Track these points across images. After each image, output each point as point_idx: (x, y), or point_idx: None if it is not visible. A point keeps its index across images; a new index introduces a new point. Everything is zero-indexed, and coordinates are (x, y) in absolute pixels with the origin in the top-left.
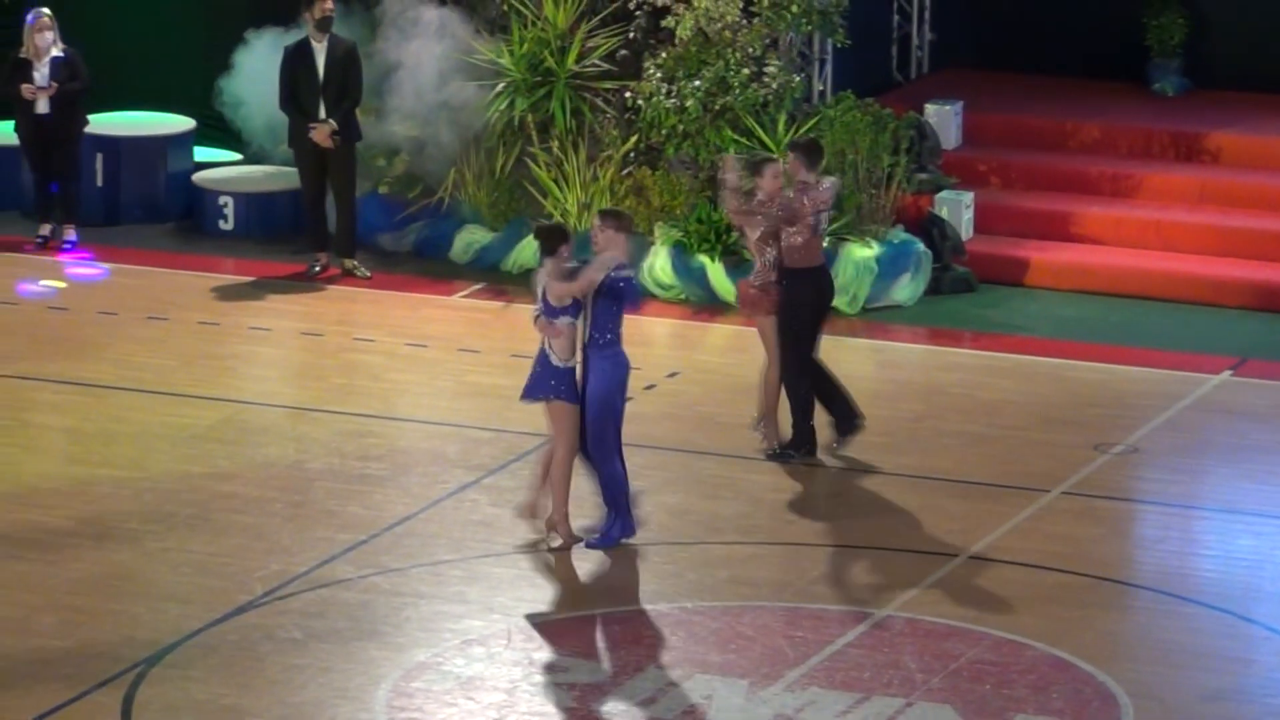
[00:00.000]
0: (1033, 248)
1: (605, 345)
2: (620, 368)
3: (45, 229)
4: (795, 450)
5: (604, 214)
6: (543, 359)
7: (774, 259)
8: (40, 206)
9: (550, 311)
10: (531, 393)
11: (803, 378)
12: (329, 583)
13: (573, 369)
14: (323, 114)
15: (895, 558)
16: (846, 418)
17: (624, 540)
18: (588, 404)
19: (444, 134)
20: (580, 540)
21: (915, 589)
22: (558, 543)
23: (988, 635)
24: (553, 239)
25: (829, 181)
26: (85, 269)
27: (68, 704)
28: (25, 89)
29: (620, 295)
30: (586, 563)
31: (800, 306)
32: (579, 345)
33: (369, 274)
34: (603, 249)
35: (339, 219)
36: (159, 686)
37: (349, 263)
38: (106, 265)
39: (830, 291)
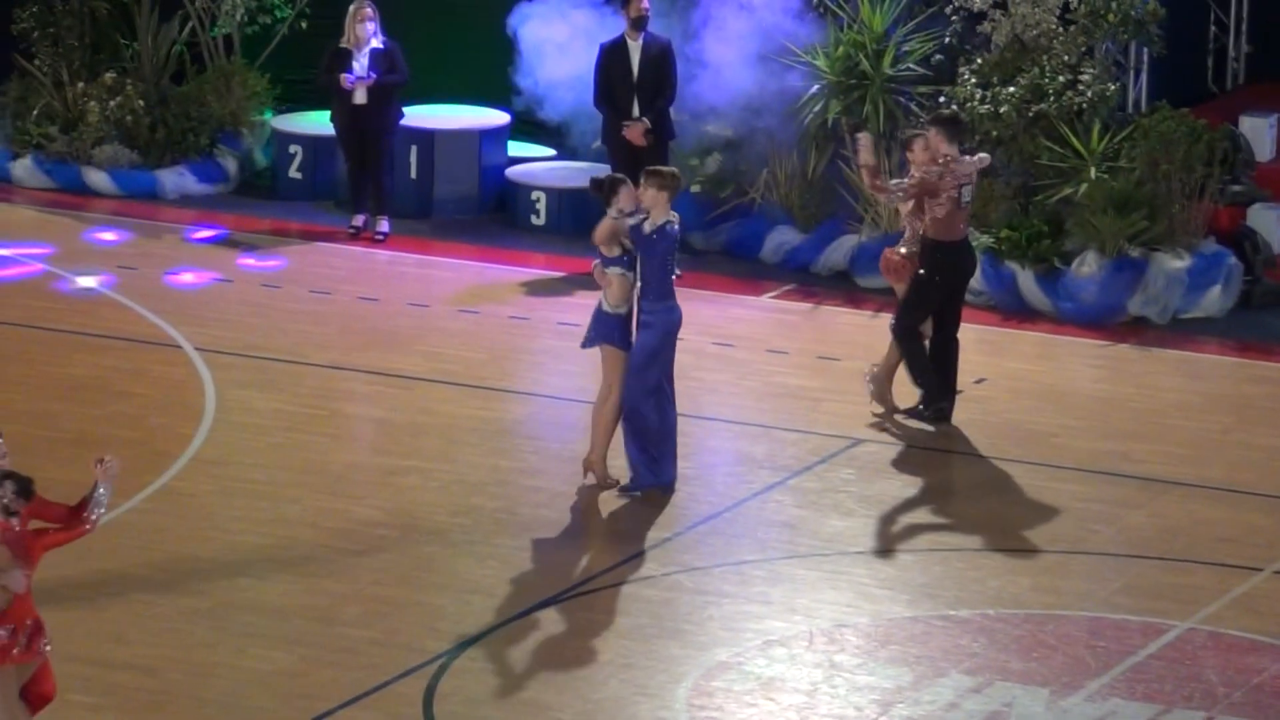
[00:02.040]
0: None
1: (651, 298)
2: (665, 322)
3: (358, 219)
4: (926, 406)
5: (647, 173)
6: (598, 307)
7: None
8: (354, 197)
9: (604, 261)
10: (588, 340)
11: (913, 340)
12: (632, 579)
13: (624, 316)
14: (636, 112)
15: (1199, 570)
16: (933, 398)
17: (647, 489)
18: (633, 353)
19: (758, 134)
20: (614, 484)
21: (1218, 602)
22: (591, 482)
23: None
24: (605, 190)
25: (975, 158)
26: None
27: (371, 692)
28: (343, 79)
29: (652, 248)
30: (890, 567)
31: (931, 276)
32: (635, 296)
33: (679, 272)
34: (649, 207)
35: None
36: (461, 678)
37: None
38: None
39: (967, 267)
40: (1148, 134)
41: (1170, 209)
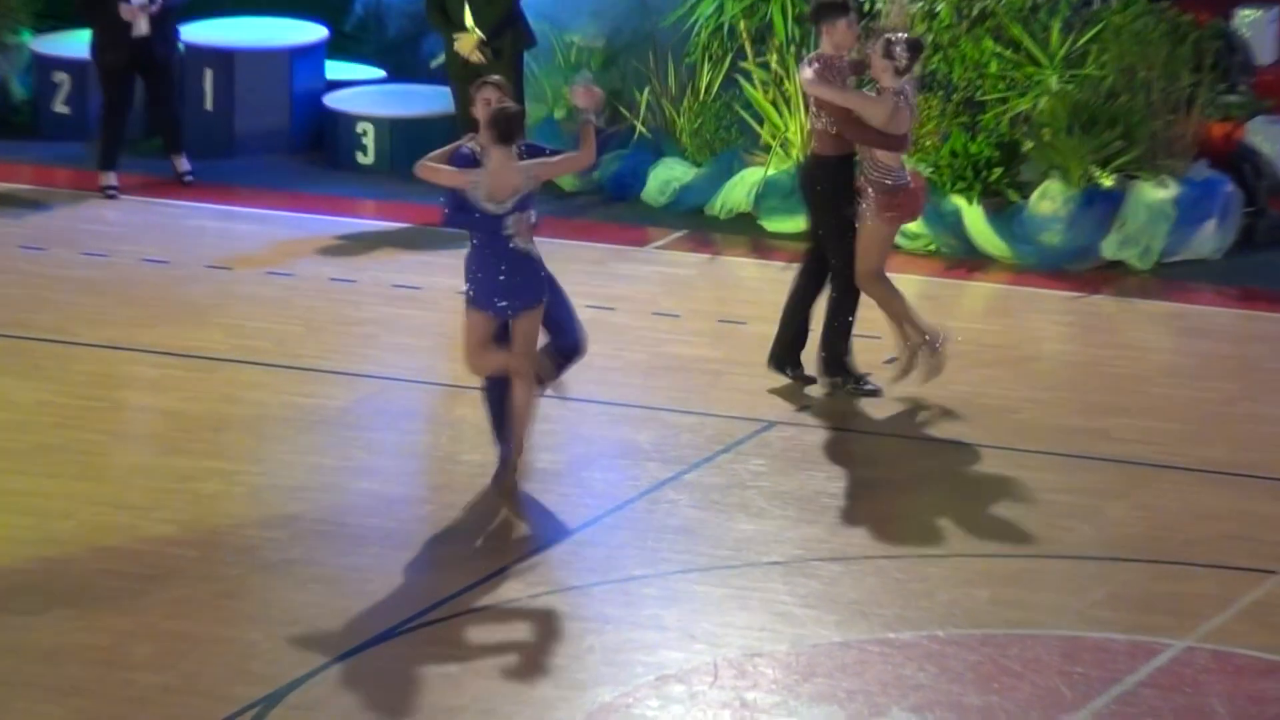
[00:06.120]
0: None
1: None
2: None
3: (111, 178)
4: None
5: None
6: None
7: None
8: (107, 149)
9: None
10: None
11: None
12: (493, 604)
13: None
14: (469, 23)
15: (1199, 574)
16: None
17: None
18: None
19: (637, 46)
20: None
21: (1224, 614)
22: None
23: None
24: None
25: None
26: None
27: None
28: (124, 9)
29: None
30: (813, 581)
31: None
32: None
33: (536, 220)
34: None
35: None
36: None
37: None
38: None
39: None
40: (1120, 33)
41: (1150, 126)
